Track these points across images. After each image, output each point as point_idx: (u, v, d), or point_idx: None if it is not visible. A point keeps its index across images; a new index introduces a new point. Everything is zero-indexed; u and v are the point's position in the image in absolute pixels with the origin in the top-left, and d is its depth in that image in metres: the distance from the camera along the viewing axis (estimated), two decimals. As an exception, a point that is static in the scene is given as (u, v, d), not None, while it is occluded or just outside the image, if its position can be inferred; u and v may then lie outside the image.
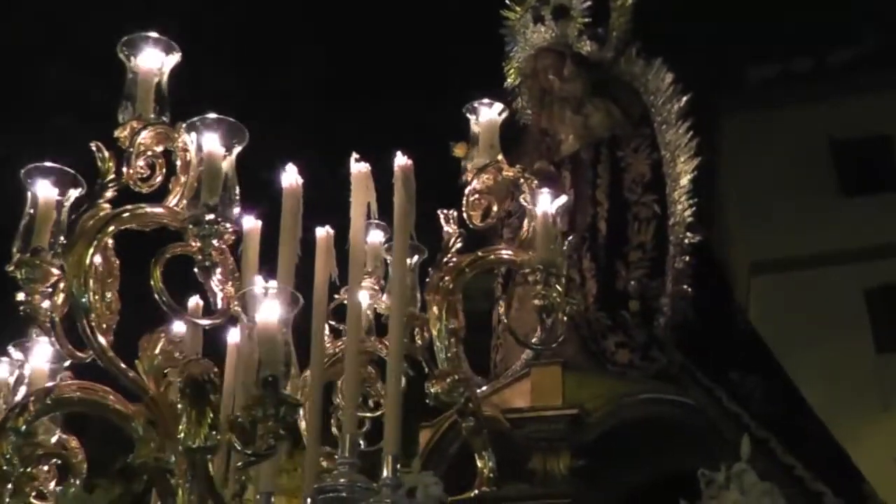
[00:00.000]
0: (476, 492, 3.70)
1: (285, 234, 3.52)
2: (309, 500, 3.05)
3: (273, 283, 2.78)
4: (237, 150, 2.88)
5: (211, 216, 2.71)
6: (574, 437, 4.18)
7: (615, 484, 4.42)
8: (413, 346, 3.76)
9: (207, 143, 2.84)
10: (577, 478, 4.15)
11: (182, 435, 2.49)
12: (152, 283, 2.71)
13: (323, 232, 3.73)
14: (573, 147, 5.10)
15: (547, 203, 3.73)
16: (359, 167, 3.69)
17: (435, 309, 3.74)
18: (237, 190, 2.82)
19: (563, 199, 3.78)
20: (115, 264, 3.08)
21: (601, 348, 4.57)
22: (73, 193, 3.04)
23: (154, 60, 3.10)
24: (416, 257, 3.87)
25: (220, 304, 2.77)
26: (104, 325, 3.09)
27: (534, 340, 3.93)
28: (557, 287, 3.63)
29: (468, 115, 3.87)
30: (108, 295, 3.11)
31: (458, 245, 3.81)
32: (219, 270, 2.80)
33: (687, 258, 4.58)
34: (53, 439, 3.11)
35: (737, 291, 8.20)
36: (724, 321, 4.78)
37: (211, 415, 2.51)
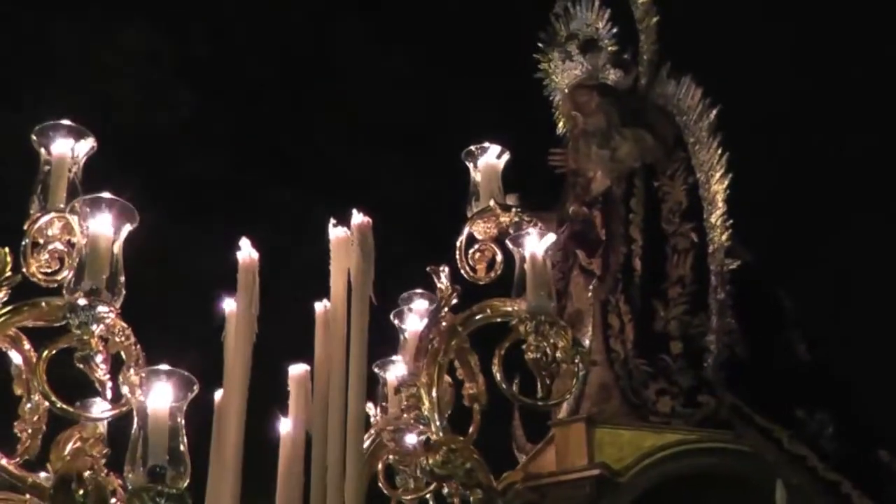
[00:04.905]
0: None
1: (241, 314, 3.33)
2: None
3: (164, 366, 2.53)
4: (126, 230, 2.67)
5: (84, 301, 2.50)
6: (605, 501, 3.73)
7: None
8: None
9: (93, 224, 2.66)
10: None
11: (43, 542, 2.26)
12: (35, 383, 2.51)
13: (321, 307, 3.52)
14: (604, 184, 4.71)
15: (535, 243, 3.39)
16: (337, 232, 3.47)
17: (425, 376, 3.45)
18: (122, 276, 2.60)
19: (552, 237, 3.41)
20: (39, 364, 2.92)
21: (642, 398, 4.11)
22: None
23: (65, 148, 2.98)
24: (424, 312, 3.61)
25: (108, 394, 2.54)
26: (30, 430, 2.95)
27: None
28: (564, 335, 3.27)
29: (466, 162, 3.59)
30: (35, 397, 2.97)
31: (454, 302, 3.52)
32: (123, 356, 2.60)
33: (729, 287, 4.09)
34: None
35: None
36: (779, 353, 4.23)
37: (75, 517, 2.26)
